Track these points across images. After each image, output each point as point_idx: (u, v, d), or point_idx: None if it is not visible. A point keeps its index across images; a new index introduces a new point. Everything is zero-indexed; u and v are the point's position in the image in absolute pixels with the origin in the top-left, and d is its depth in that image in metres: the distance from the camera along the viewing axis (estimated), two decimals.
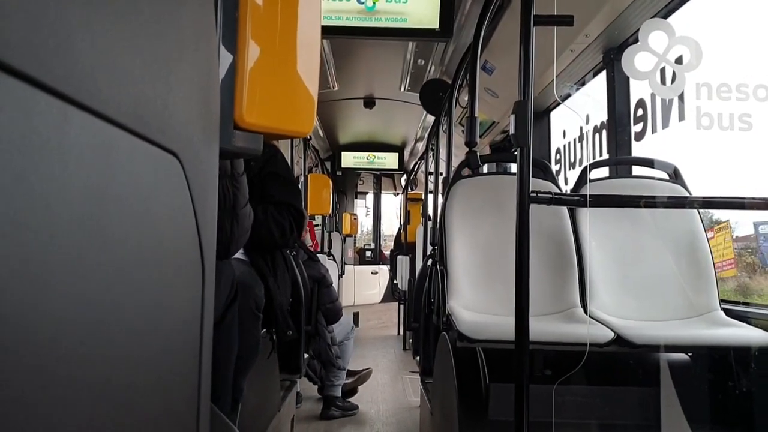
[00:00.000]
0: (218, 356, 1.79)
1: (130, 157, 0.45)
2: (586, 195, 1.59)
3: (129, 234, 0.45)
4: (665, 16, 2.50)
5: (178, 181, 0.55)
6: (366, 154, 8.98)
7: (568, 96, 2.41)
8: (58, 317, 0.35)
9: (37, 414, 0.33)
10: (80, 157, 0.37)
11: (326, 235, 6.99)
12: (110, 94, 0.41)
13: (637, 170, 2.80)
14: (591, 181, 2.57)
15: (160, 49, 0.50)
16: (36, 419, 0.33)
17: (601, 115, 3.09)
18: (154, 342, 0.51)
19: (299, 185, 4.22)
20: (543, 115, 4.12)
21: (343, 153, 8.97)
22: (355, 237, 10.91)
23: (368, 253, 11.15)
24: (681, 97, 1.76)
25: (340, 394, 4.05)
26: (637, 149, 2.81)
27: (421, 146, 7.72)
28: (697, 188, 2.45)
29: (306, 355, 3.06)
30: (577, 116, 3.09)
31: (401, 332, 7.21)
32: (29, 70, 0.32)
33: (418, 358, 3.83)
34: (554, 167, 3.79)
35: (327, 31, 3.25)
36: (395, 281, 7.76)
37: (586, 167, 2.97)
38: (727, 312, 2.21)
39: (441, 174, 3.86)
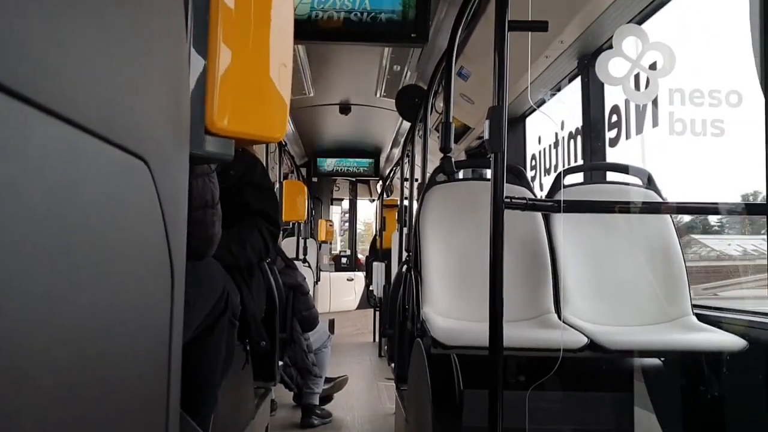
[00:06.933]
0: (205, 367, 1.77)
1: (95, 162, 0.44)
2: (560, 200, 1.59)
3: (94, 240, 0.44)
4: (639, 23, 2.53)
5: (146, 186, 0.54)
6: (342, 160, 8.98)
7: (543, 102, 2.42)
8: (22, 322, 0.34)
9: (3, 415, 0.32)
10: (42, 161, 0.36)
11: (301, 242, 6.94)
12: (74, 97, 0.40)
13: (611, 176, 2.82)
14: (565, 186, 2.59)
15: (127, 51, 0.49)
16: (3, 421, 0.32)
17: (576, 121, 3.11)
18: (119, 348, 0.50)
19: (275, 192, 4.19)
20: (518, 122, 4.15)
21: (318, 159, 8.95)
22: (330, 244, 10.89)
23: (344, 260, 11.13)
24: (655, 103, 1.78)
25: (318, 402, 4.02)
26: (611, 155, 2.84)
27: (396, 152, 7.72)
28: (671, 194, 2.48)
29: (281, 363, 3.03)
30: (552, 122, 3.11)
31: (377, 339, 7.19)
32: None
33: (393, 364, 3.82)
34: (529, 173, 3.81)
35: (301, 36, 3.24)
36: (371, 288, 7.73)
37: (560, 173, 2.99)
38: (700, 317, 2.24)
39: (417, 180, 3.86)
